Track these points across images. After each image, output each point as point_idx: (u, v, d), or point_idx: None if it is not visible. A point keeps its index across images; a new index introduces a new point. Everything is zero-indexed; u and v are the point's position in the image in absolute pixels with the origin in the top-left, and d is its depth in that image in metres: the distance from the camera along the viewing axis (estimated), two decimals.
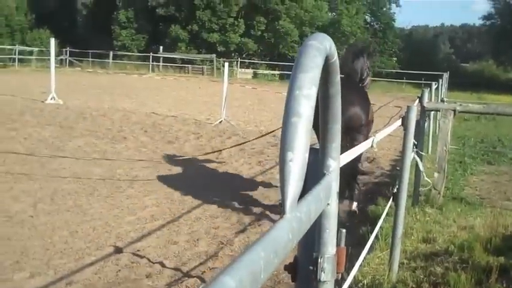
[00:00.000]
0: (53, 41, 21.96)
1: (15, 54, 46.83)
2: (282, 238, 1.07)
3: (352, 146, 11.14)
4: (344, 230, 1.85)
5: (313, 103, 1.27)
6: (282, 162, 1.21)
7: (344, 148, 8.19)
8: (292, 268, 1.82)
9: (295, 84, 1.28)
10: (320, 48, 1.38)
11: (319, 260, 1.66)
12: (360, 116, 8.03)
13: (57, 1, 65.59)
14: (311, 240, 1.69)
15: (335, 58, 1.54)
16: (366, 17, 63.42)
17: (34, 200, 8.36)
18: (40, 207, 8.02)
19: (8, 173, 9.83)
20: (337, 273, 1.72)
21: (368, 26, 63.14)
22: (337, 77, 1.62)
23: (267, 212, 8.28)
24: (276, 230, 1.07)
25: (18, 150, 11.76)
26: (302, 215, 1.23)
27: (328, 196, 1.61)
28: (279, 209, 8.50)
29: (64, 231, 7.04)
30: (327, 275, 1.66)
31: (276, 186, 9.87)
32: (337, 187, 1.74)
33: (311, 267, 1.67)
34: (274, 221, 7.76)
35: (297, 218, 1.19)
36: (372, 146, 4.77)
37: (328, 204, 1.63)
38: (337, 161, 1.74)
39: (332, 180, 1.68)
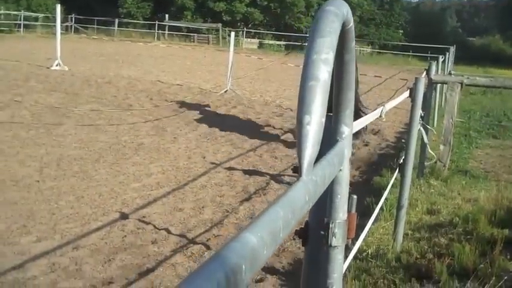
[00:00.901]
0: (58, 7, 21.82)
1: (20, 20, 46.60)
2: (298, 199, 1.08)
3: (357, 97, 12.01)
4: (355, 196, 1.87)
5: (330, 68, 1.27)
6: (299, 126, 1.22)
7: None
8: (303, 233, 1.84)
9: (313, 48, 1.28)
10: (338, 14, 1.38)
11: (330, 225, 1.67)
12: None
13: None
14: (322, 205, 1.70)
15: (351, 24, 1.55)
16: None
17: (40, 165, 8.41)
18: (46, 172, 8.07)
19: (15, 138, 9.87)
20: (347, 238, 1.74)
21: None
22: (353, 44, 1.63)
23: (272, 181, 8.30)
24: (293, 191, 1.09)
25: (24, 116, 11.78)
26: (317, 179, 1.24)
27: (341, 162, 1.62)
28: (286, 178, 8.55)
29: (70, 196, 7.09)
30: (337, 240, 1.67)
31: (277, 157, 9.91)
32: (350, 153, 1.76)
33: (322, 232, 1.69)
34: (277, 190, 7.81)
35: (312, 181, 1.20)
36: (380, 116, 4.77)
37: (340, 170, 1.65)
38: (350, 127, 1.75)
39: (345, 147, 1.70)
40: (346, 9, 1.45)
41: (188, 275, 0.69)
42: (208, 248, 5.67)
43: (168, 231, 6.08)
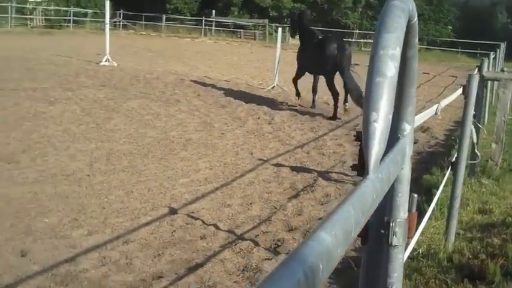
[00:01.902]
0: (107, 3, 22.10)
1: (70, 16, 47.32)
2: (367, 198, 1.06)
3: (349, 75, 13.40)
4: (416, 195, 1.83)
5: (397, 64, 1.25)
6: (366, 123, 1.20)
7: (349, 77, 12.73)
8: (362, 232, 1.81)
9: (380, 44, 1.26)
10: (404, 9, 1.35)
11: (391, 224, 1.64)
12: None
13: None
14: (382, 204, 1.67)
15: (415, 19, 1.52)
16: None
17: (90, 159, 8.53)
18: (96, 166, 8.18)
19: (65, 133, 10.03)
20: (408, 237, 1.71)
21: None
22: (416, 39, 1.59)
23: (320, 178, 8.26)
24: (362, 190, 1.07)
25: (74, 111, 11.96)
26: (383, 177, 1.22)
27: (403, 160, 1.60)
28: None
29: (120, 190, 7.17)
30: (398, 239, 1.64)
31: (325, 154, 9.85)
32: (411, 151, 1.73)
33: (382, 231, 1.66)
34: (325, 188, 7.77)
35: (379, 179, 1.18)
36: (436, 114, 4.70)
37: (402, 168, 1.62)
38: (411, 124, 1.71)
39: (406, 144, 1.67)
40: (411, 4, 1.42)
41: (268, 275, 0.68)
42: (256, 244, 5.67)
43: (217, 227, 6.10)
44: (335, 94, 13.59)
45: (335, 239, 0.83)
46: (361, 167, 1.50)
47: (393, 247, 1.66)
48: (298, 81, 14.92)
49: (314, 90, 14.92)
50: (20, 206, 6.42)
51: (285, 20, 52.92)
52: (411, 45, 1.58)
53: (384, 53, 1.24)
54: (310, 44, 14.27)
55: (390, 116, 1.21)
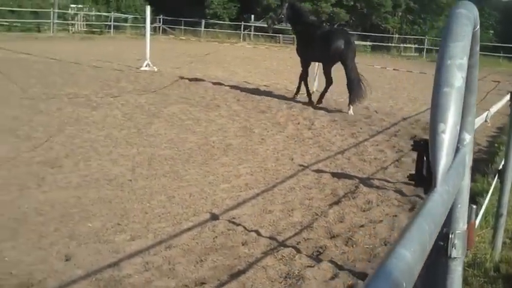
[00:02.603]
0: (148, 8, 22.28)
1: (110, 21, 47.91)
2: (437, 211, 1.04)
3: (354, 67, 14.43)
4: (474, 206, 1.80)
5: (464, 73, 1.22)
6: (433, 134, 1.17)
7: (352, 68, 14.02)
8: None
9: (447, 53, 1.23)
10: (470, 17, 1.32)
11: (450, 235, 1.61)
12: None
13: None
14: None
15: (478, 27, 1.48)
16: None
17: (132, 164, 8.60)
18: (138, 171, 8.24)
19: (107, 138, 10.14)
20: (467, 249, 1.68)
21: None
22: (478, 47, 1.56)
23: (361, 185, 8.19)
24: (431, 203, 1.04)
25: (116, 116, 12.08)
26: (450, 188, 1.19)
27: (463, 170, 1.56)
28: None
29: (162, 195, 7.21)
30: (457, 251, 1.61)
31: (366, 160, 9.77)
32: (471, 161, 1.69)
33: (441, 243, 1.63)
34: (367, 194, 7.70)
35: (446, 191, 1.15)
36: (485, 121, 4.63)
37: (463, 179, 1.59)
38: (471, 134, 1.68)
39: (466, 154, 1.63)
40: (476, 12, 1.40)
41: None
42: (298, 251, 5.63)
43: (258, 233, 6.08)
44: (329, 82, 15.07)
45: (414, 255, 0.81)
46: (418, 178, 1.48)
47: (452, 259, 1.63)
48: (338, 86, 14.92)
49: (301, 79, 15.91)
50: (63, 210, 6.50)
51: (324, 24, 52.82)
52: (473, 53, 1.55)
53: (452, 63, 1.21)
54: (314, 34, 15.02)
55: (458, 127, 1.19)
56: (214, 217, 6.50)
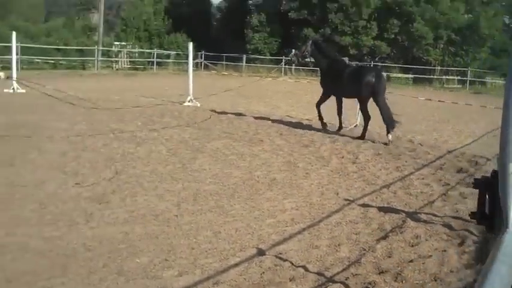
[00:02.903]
0: (191, 44, 22.57)
1: (153, 58, 48.70)
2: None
3: (384, 101, 14.99)
4: None
5: None
6: (503, 174, 1.15)
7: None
8: None
9: None
10: None
11: None
12: None
13: (192, 6, 67.51)
14: None
15: None
16: (504, 18, 60.87)
17: (178, 199, 8.64)
18: (184, 206, 8.28)
19: (153, 173, 10.23)
20: None
21: (506, 27, 60.64)
22: None
23: (408, 219, 8.08)
24: (507, 245, 1.02)
25: (161, 151, 12.20)
26: None
27: None
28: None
29: (208, 231, 7.22)
30: None
31: (412, 194, 9.65)
32: None
33: None
34: (415, 229, 7.59)
35: None
36: None
37: None
38: None
39: None
40: None
41: None
42: (347, 287, 5.57)
43: (306, 269, 6.04)
44: (367, 117, 15.47)
45: None
46: (480, 216, 1.45)
47: None
48: (381, 119, 14.93)
49: (340, 113, 16.56)
50: (111, 246, 6.56)
51: (365, 57, 52.82)
52: None
53: None
54: (342, 70, 15.93)
55: None
56: (261, 252, 6.48)
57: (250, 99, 25.51)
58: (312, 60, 17.82)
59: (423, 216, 8.26)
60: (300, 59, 17.48)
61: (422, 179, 10.78)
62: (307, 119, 18.50)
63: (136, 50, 50.78)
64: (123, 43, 50.47)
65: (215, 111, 19.19)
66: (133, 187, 9.23)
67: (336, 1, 52.47)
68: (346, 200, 9.03)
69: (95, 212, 7.81)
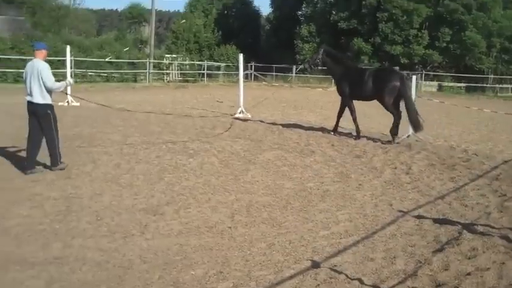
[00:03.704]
0: (241, 56, 22.63)
1: (203, 70, 49.15)
2: None
3: (411, 102, 15.68)
4: None
5: None
6: None
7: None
8: None
9: None
10: None
11: None
12: None
13: (242, 18, 67.99)
14: None
15: None
16: None
17: (231, 211, 8.69)
18: (237, 218, 8.32)
19: (206, 185, 10.31)
20: None
21: None
22: None
23: (464, 231, 7.94)
24: None
25: (213, 163, 12.28)
26: None
27: None
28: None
29: (262, 243, 7.24)
30: None
31: (468, 205, 9.49)
32: None
33: None
34: (471, 241, 7.46)
35: None
36: None
37: None
38: None
39: None
40: None
41: None
42: None
43: (361, 282, 5.99)
44: (399, 115, 16.16)
45: None
46: None
47: None
48: (434, 129, 14.75)
49: (340, 115, 17.62)
50: (167, 257, 6.63)
51: (416, 67, 52.30)
52: None
53: None
54: (361, 74, 16.58)
55: None
56: (316, 265, 6.46)
57: (300, 109, 25.50)
58: (324, 67, 18.40)
59: (480, 228, 8.10)
60: (312, 66, 17.80)
61: (478, 189, 10.59)
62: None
63: (187, 62, 51.37)
64: (173, 55, 51.11)
65: (266, 122, 19.20)
66: (186, 199, 9.32)
67: (386, 10, 52.20)
68: (400, 211, 8.94)
69: (149, 224, 7.91)
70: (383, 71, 17.50)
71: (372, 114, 24.55)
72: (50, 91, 10.79)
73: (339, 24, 55.19)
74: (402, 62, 52.15)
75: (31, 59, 11.09)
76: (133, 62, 45.76)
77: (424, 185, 10.95)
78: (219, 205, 9.01)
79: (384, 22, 52.73)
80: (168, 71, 48.44)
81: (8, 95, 27.66)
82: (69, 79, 11.20)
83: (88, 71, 40.39)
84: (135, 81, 44.02)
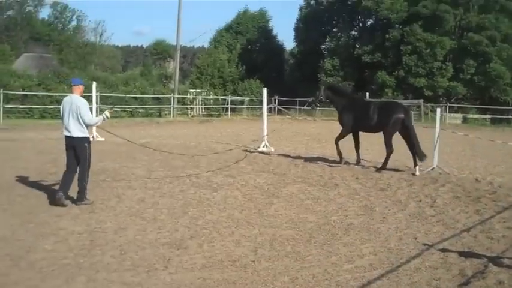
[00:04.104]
0: (265, 90, 22.74)
1: (227, 104, 49.45)
2: None
3: (414, 134, 16.51)
4: None
5: None
6: None
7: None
8: None
9: None
10: None
11: None
12: None
13: (266, 52, 68.48)
14: None
15: None
16: None
17: (254, 245, 8.68)
18: (260, 252, 8.30)
19: (229, 219, 10.33)
20: None
21: None
22: None
23: (490, 264, 7.86)
24: None
25: (236, 197, 12.30)
26: None
27: None
28: None
29: (285, 277, 7.21)
30: None
31: (493, 238, 9.39)
32: None
33: None
34: (497, 274, 7.38)
35: None
36: None
37: None
38: None
39: None
40: None
41: None
42: None
43: None
44: (391, 150, 16.71)
45: None
46: None
47: None
48: (459, 162, 14.69)
49: (358, 147, 18.36)
50: None
51: (440, 99, 52.12)
52: None
53: None
54: (365, 107, 17.45)
55: None
56: None
57: (324, 143, 25.48)
58: (327, 101, 19.16)
59: (506, 261, 8.02)
60: (317, 103, 18.94)
61: (504, 222, 10.48)
62: (383, 162, 18.24)
63: (211, 96, 51.72)
64: (198, 90, 51.51)
65: (289, 156, 19.21)
66: (210, 233, 9.33)
67: (409, 43, 52.30)
68: (425, 244, 8.87)
69: (173, 258, 7.92)
70: (388, 104, 18.42)
71: (397, 147, 24.43)
72: (87, 125, 11.17)
73: (363, 57, 55.43)
74: (426, 94, 52.07)
75: (62, 95, 11.42)
76: (158, 97, 46.19)
77: (449, 217, 10.86)
78: (242, 239, 9.01)
79: (407, 55, 52.85)
80: (192, 106, 48.81)
81: (34, 131, 28.08)
82: (106, 113, 11.48)
83: (114, 106, 40.76)
84: (160, 116, 44.40)
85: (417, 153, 16.45)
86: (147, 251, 8.24)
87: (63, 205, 10.90)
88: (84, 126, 11.08)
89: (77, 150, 11.13)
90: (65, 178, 11.21)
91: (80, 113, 10.90)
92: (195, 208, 11.16)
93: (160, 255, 8.06)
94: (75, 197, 11.29)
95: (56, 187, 11.72)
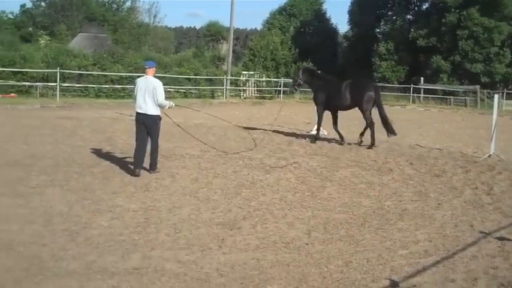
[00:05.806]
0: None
1: (280, 87, 49.33)
2: None
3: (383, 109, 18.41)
4: None
5: None
6: None
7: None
8: None
9: None
10: None
11: None
12: None
13: (319, 35, 67.95)
14: None
15: None
16: None
17: (308, 227, 8.67)
18: (314, 235, 8.29)
19: (282, 201, 10.33)
20: None
21: None
22: None
23: None
24: None
25: (289, 179, 12.29)
26: None
27: None
28: None
29: (339, 260, 7.18)
30: None
31: None
32: None
33: None
34: None
35: None
36: None
37: None
38: None
39: None
40: None
41: None
42: None
43: None
44: (372, 124, 18.10)
45: None
46: None
47: None
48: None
49: (336, 125, 19.11)
50: (244, 272, 6.66)
51: (497, 85, 51.01)
52: None
53: None
54: (338, 85, 18.53)
55: None
56: (394, 284, 6.37)
57: (377, 127, 25.20)
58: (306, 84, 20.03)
59: None
60: (296, 87, 20.61)
61: None
62: (438, 148, 17.98)
63: (264, 78, 51.62)
64: (250, 72, 51.46)
65: (344, 140, 19.08)
66: (263, 214, 9.35)
67: (466, 28, 51.19)
68: (481, 232, 8.72)
69: (226, 238, 7.96)
70: (359, 83, 19.49)
71: (452, 133, 24.08)
72: (159, 105, 12.01)
73: (418, 41, 54.53)
74: (483, 80, 50.99)
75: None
76: (211, 78, 46.35)
77: (507, 206, 10.64)
78: (295, 221, 9.00)
79: (464, 40, 51.76)
80: (244, 88, 48.82)
81: (89, 109, 28.53)
82: (172, 103, 12.05)
83: (167, 87, 41.11)
84: (213, 97, 44.55)
85: (387, 129, 17.95)
86: (201, 230, 8.31)
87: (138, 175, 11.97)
88: (157, 105, 11.93)
89: (149, 127, 12.15)
90: (137, 154, 12.20)
91: (157, 92, 11.82)
92: (248, 189, 11.19)
93: (214, 234, 8.12)
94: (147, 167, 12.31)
95: (111, 165, 12.05)
